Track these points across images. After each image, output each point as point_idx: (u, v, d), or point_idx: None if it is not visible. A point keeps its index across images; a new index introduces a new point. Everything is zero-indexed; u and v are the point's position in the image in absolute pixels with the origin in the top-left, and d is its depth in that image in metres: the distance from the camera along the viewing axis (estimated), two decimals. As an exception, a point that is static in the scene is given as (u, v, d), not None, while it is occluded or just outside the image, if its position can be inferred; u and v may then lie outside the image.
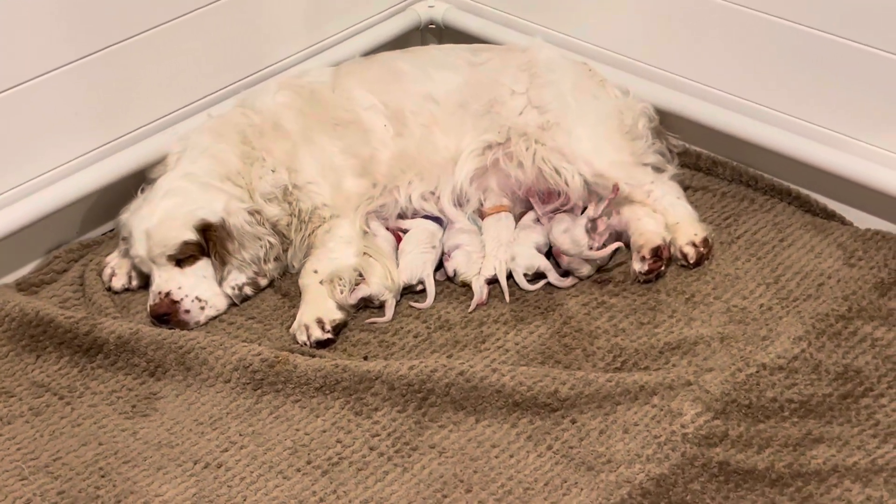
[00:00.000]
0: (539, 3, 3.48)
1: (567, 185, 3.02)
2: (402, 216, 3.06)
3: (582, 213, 2.97)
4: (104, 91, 3.00)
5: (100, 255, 3.04)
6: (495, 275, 2.89)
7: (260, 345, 2.70)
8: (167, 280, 2.82)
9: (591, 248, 2.87)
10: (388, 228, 3.03)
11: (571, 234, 2.86)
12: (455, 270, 2.93)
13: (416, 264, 2.90)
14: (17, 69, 2.81)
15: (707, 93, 3.21)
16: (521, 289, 2.89)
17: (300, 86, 3.12)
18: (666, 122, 3.27)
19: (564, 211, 2.99)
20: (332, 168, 2.99)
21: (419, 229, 2.99)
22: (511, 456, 2.43)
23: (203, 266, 2.85)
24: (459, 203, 3.09)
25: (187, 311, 2.81)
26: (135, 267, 2.92)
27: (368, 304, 2.86)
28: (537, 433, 2.47)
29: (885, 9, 2.77)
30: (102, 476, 2.44)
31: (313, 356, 2.67)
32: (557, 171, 3.03)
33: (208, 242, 2.83)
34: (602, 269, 2.93)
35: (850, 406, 2.50)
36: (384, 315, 2.82)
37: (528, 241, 2.95)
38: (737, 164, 3.23)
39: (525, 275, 2.90)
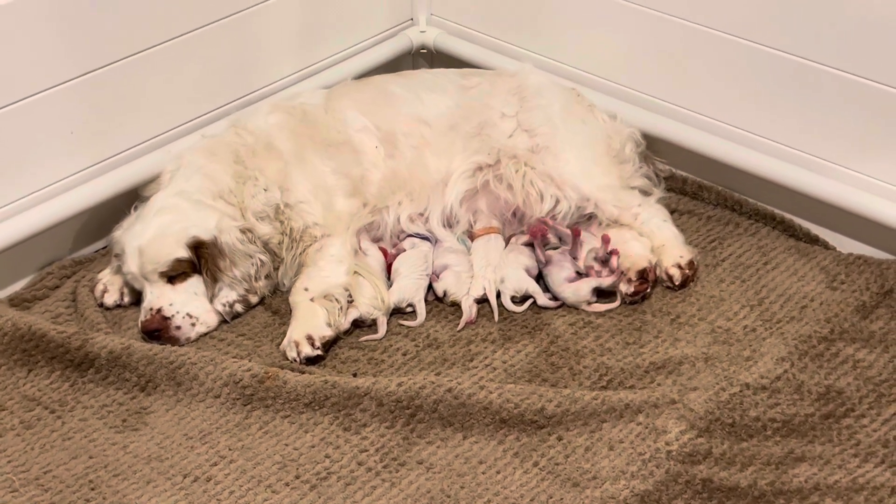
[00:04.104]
0: (528, 29, 3.53)
1: (554, 208, 3.07)
2: (390, 236, 3.10)
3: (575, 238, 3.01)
4: (100, 110, 3.03)
5: (92, 272, 3.07)
6: (484, 294, 2.92)
7: (250, 361, 2.72)
8: (159, 296, 2.84)
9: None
10: (382, 249, 3.06)
11: (575, 289, 2.89)
12: (444, 291, 2.96)
13: (408, 288, 2.93)
14: (15, 87, 2.84)
15: (693, 118, 3.26)
16: (508, 310, 2.92)
17: (293, 107, 3.16)
18: (653, 147, 3.32)
19: (555, 247, 3.02)
20: (324, 188, 3.02)
21: (415, 251, 3.02)
22: (498, 472, 2.45)
23: (194, 283, 2.87)
24: (449, 224, 3.12)
25: (178, 328, 2.83)
26: (127, 283, 2.94)
27: (359, 325, 2.89)
28: (524, 450, 2.49)
29: (869, 38, 2.83)
30: (92, 489, 2.45)
31: (303, 372, 2.69)
32: (544, 196, 3.07)
33: (200, 260, 2.85)
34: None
35: (831, 426, 2.53)
36: (377, 332, 2.85)
37: (517, 263, 2.98)
38: (722, 189, 3.28)
39: (512, 297, 2.93)
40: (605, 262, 2.94)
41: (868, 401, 2.59)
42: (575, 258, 2.95)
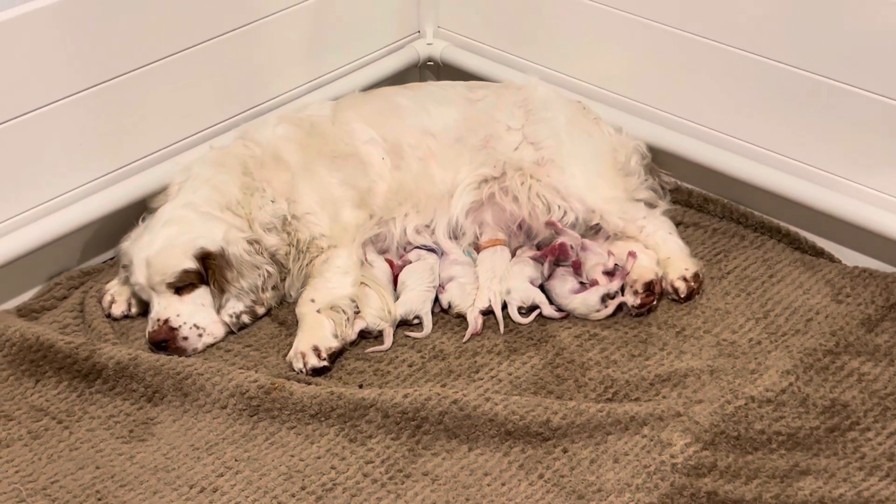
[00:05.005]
0: (534, 41, 3.54)
1: (560, 220, 3.08)
2: (396, 248, 3.12)
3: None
4: (108, 121, 3.05)
5: (100, 283, 3.08)
6: (489, 306, 2.93)
7: (256, 372, 2.73)
8: (166, 307, 2.85)
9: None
10: (388, 261, 3.07)
11: (584, 300, 2.90)
12: (450, 303, 2.97)
13: (415, 300, 2.94)
14: (24, 99, 2.86)
15: (699, 131, 3.27)
16: (514, 321, 2.93)
17: (300, 119, 3.17)
18: (658, 160, 3.33)
19: (562, 264, 3.02)
20: (331, 199, 3.03)
21: (421, 263, 3.04)
22: (503, 484, 2.46)
23: (202, 294, 2.88)
24: (455, 236, 3.13)
25: (185, 338, 2.84)
26: (134, 294, 2.96)
27: (365, 336, 2.90)
28: (529, 462, 2.50)
29: (875, 52, 2.84)
30: (99, 499, 2.46)
31: (309, 383, 2.70)
32: (550, 208, 3.08)
33: (207, 271, 2.86)
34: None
35: (836, 439, 2.54)
36: (383, 343, 2.86)
37: (523, 274, 2.99)
38: (728, 202, 3.28)
39: (519, 308, 2.94)
40: (611, 273, 2.95)
41: (873, 414, 2.59)
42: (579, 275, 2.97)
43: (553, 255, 2.99)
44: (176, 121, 3.21)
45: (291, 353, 2.81)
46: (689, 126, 3.28)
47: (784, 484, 2.42)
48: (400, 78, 3.67)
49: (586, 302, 2.89)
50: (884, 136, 2.92)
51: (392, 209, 3.10)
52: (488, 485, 2.46)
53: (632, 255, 2.99)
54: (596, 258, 2.99)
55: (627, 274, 2.96)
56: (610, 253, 2.99)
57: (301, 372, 2.77)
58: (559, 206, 3.08)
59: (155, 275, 2.84)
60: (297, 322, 2.89)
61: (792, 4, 2.93)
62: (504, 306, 2.94)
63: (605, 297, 2.91)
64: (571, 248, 3.00)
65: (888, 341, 2.78)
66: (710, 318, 2.90)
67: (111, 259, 3.20)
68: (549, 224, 3.06)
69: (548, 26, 3.49)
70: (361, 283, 2.94)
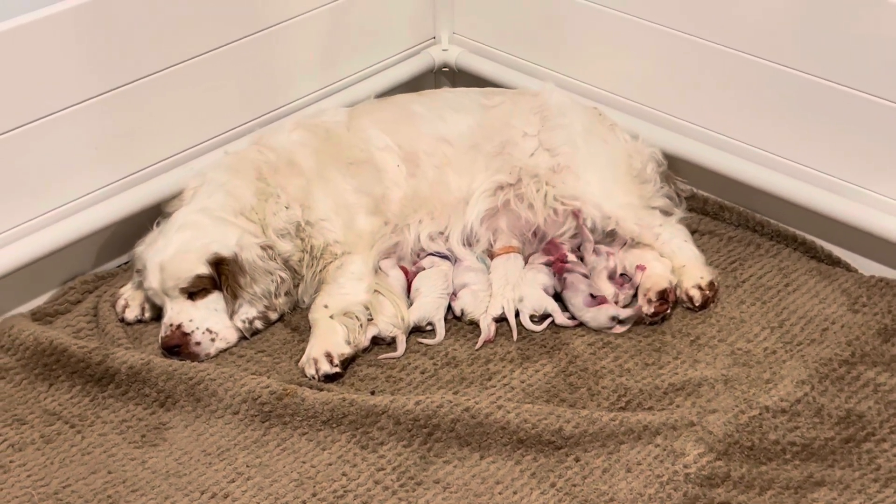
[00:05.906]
0: (550, 48, 3.54)
1: (576, 227, 3.08)
2: (410, 255, 3.11)
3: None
4: (123, 126, 3.06)
5: (114, 287, 3.09)
6: (502, 313, 2.92)
7: (269, 377, 2.73)
8: (179, 312, 2.86)
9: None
10: (402, 268, 3.07)
11: (594, 316, 2.88)
12: (463, 309, 2.96)
13: (429, 307, 2.93)
14: (40, 104, 2.87)
15: (715, 139, 3.25)
16: (526, 329, 2.92)
17: (315, 125, 3.17)
18: (674, 167, 3.32)
19: (573, 271, 3.01)
20: (346, 206, 3.03)
21: (435, 270, 3.03)
22: (515, 492, 2.45)
23: (215, 299, 2.88)
24: (469, 243, 3.13)
25: (198, 344, 2.84)
26: (148, 299, 2.96)
27: (378, 342, 2.90)
28: (541, 470, 2.49)
29: (890, 60, 2.82)
30: (111, 504, 2.47)
31: (321, 390, 2.70)
32: (566, 215, 3.07)
33: (221, 276, 2.86)
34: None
35: (851, 450, 2.51)
36: (395, 350, 2.86)
37: (536, 282, 2.98)
38: (743, 210, 3.27)
39: (531, 316, 2.93)
40: (612, 277, 2.95)
41: (889, 425, 2.57)
42: (586, 276, 2.96)
43: (555, 259, 2.98)
44: (191, 125, 3.21)
45: (304, 358, 2.81)
46: (704, 133, 3.27)
47: (798, 495, 2.40)
48: (415, 84, 3.67)
49: (596, 318, 2.88)
50: (901, 145, 2.90)
51: (407, 216, 3.10)
52: (500, 493, 2.45)
53: (640, 268, 2.98)
54: (603, 262, 2.99)
55: (637, 286, 2.95)
56: (609, 253, 2.98)
57: (313, 378, 2.77)
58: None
59: (168, 280, 2.84)
60: (310, 328, 2.89)
61: (807, 12, 2.92)
62: (517, 314, 2.93)
63: (615, 319, 2.89)
64: (566, 245, 3.01)
65: (905, 352, 2.77)
66: (724, 327, 2.89)
67: (125, 263, 3.21)
68: (574, 215, 3.04)
69: (564, 33, 3.48)
70: (375, 290, 2.94)
